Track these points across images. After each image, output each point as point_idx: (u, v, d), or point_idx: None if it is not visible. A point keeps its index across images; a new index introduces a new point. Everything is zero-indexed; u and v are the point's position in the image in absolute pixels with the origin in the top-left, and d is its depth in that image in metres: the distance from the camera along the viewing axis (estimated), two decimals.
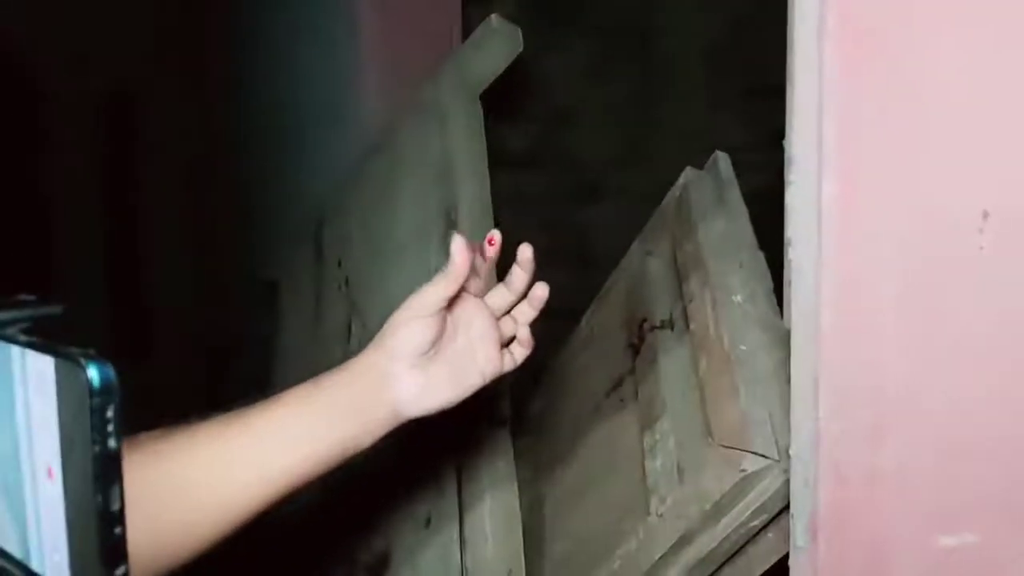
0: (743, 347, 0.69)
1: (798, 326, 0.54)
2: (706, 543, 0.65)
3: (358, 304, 1.27)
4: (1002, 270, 0.43)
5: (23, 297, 0.30)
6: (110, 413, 0.26)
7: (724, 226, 0.83)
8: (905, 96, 0.47)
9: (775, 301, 0.73)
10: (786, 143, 0.56)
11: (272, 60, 1.81)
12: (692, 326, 0.78)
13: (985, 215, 0.44)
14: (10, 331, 0.29)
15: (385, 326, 0.61)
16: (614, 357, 0.94)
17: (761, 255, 0.77)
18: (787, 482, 0.59)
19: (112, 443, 0.27)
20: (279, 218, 1.82)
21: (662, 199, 1.02)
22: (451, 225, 1.11)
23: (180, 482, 0.57)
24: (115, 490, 0.27)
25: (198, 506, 0.57)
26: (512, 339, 0.66)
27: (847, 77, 0.49)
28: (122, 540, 0.27)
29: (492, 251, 0.63)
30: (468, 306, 0.63)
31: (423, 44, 1.59)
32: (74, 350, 0.26)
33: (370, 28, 1.53)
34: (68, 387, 0.27)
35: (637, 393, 0.86)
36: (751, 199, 0.98)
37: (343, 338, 1.28)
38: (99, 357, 0.26)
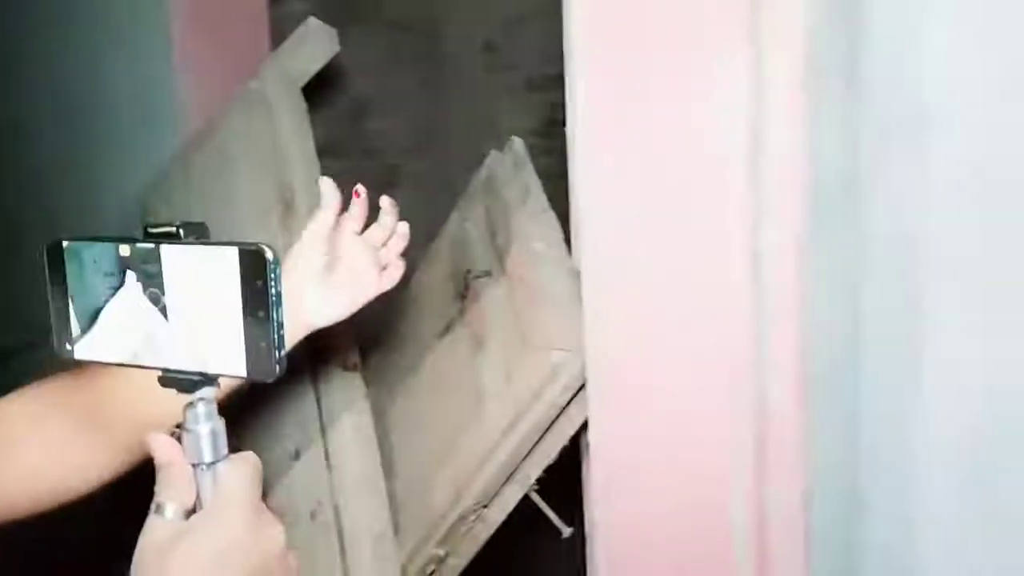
0: (546, 281, 0.94)
1: (584, 255, 0.79)
2: (528, 422, 0.90)
3: None
4: (700, 199, 0.70)
5: (175, 222, 0.47)
6: (278, 271, 0.45)
7: (523, 194, 1.08)
8: (639, 92, 0.73)
9: (565, 246, 0.98)
10: (567, 127, 0.81)
11: (83, 64, 1.81)
12: (507, 270, 1.02)
13: (689, 164, 0.71)
14: (189, 239, 0.46)
15: (286, 257, 0.80)
16: (443, 306, 1.16)
17: (552, 213, 1.02)
18: (583, 366, 0.84)
19: (280, 287, 0.45)
20: (92, 217, 1.82)
21: (455, 182, 1.26)
22: (288, 206, 1.27)
23: (110, 404, 0.70)
24: (281, 311, 0.46)
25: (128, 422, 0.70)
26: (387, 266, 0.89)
27: (605, 78, 0.74)
28: (283, 339, 0.46)
29: (361, 200, 0.86)
30: (350, 240, 0.84)
31: (231, 42, 1.69)
32: (253, 243, 0.45)
33: (179, 28, 1.60)
34: (249, 264, 0.45)
35: (466, 330, 1.09)
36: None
37: None
38: (268, 246, 0.45)
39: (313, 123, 2.42)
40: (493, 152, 1.17)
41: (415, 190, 2.57)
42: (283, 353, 0.46)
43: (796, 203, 0.65)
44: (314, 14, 2.22)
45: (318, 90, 2.19)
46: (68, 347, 0.50)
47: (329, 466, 1.06)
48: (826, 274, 0.70)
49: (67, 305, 0.49)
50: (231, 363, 0.46)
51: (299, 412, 1.10)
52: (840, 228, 0.69)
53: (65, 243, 0.50)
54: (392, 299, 1.48)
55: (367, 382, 1.27)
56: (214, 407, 0.49)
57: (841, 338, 0.72)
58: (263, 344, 0.45)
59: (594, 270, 0.78)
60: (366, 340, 1.36)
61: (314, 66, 1.39)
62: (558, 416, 0.89)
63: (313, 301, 0.81)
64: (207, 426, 0.48)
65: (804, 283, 0.69)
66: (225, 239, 0.46)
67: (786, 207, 0.65)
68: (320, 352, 1.12)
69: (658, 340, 0.77)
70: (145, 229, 0.48)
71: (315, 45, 1.38)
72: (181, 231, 0.47)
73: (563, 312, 0.89)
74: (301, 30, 1.37)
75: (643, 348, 0.77)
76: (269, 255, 0.45)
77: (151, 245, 0.47)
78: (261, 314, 0.45)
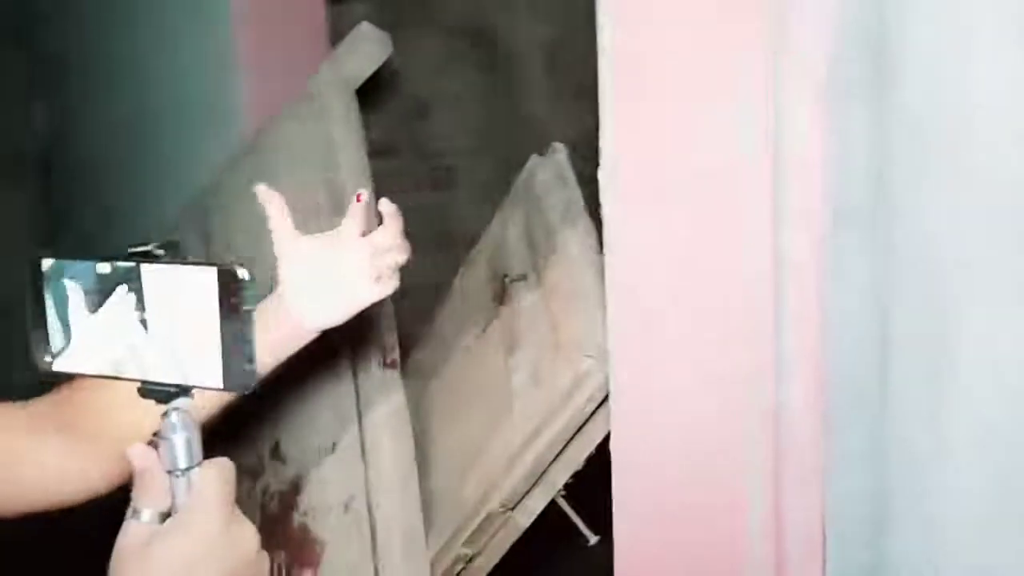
0: (578, 285, 0.94)
1: (609, 261, 0.79)
2: (555, 427, 0.91)
3: None
4: (721, 204, 0.70)
5: (155, 243, 0.50)
6: (250, 291, 0.48)
7: (563, 199, 1.08)
8: (662, 99, 0.73)
9: (601, 254, 0.99)
10: (600, 137, 0.82)
11: (149, 66, 1.89)
12: (542, 275, 1.03)
13: (710, 172, 0.71)
14: (167, 258, 0.49)
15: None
16: (482, 307, 1.18)
17: (589, 220, 1.03)
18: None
19: (252, 304, 0.48)
20: (160, 214, 1.90)
21: (507, 182, 1.26)
22: (338, 206, 1.31)
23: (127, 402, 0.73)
24: (253, 325, 0.48)
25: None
26: None
27: (632, 88, 0.75)
28: (254, 350, 0.48)
29: (362, 204, 0.81)
30: (350, 244, 0.79)
31: (291, 44, 1.74)
32: (225, 262, 0.48)
33: (242, 31, 1.66)
34: (225, 282, 0.48)
35: (502, 332, 1.10)
36: (580, 179, 1.25)
37: None
38: (241, 264, 0.48)
39: (370, 124, 2.46)
40: (534, 156, 1.18)
41: (470, 190, 2.61)
42: (254, 366, 0.49)
43: (817, 208, 0.64)
44: (374, 16, 2.26)
45: (375, 91, 2.23)
46: (48, 360, 0.53)
47: (364, 460, 1.09)
48: (851, 279, 0.69)
49: (47, 321, 0.52)
50: (208, 376, 0.49)
51: (337, 407, 1.13)
52: (868, 234, 0.68)
53: (46, 261, 0.52)
54: (424, 310, 1.51)
55: (409, 378, 1.30)
56: (189, 416, 0.51)
57: (867, 343, 0.70)
58: (238, 358, 0.48)
59: (618, 275, 0.78)
60: (408, 337, 1.39)
61: (367, 69, 1.42)
62: (585, 422, 0.90)
63: (304, 308, 0.78)
64: (182, 435, 0.50)
65: (825, 287, 0.68)
66: (202, 258, 0.49)
67: (807, 211, 0.64)
68: (360, 349, 1.15)
69: (678, 345, 0.77)
70: (128, 250, 0.51)
71: (368, 49, 1.41)
72: (160, 251, 0.50)
73: (594, 319, 0.90)
74: (354, 34, 1.41)
75: (663, 353, 0.77)
76: (243, 274, 0.48)
77: (131, 264, 0.50)
78: (236, 329, 0.48)
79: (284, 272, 0.79)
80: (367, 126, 2.06)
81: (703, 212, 0.71)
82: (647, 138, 0.74)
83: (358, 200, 0.82)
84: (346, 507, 1.08)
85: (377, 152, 2.45)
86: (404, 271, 0.84)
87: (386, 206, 0.82)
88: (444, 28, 2.49)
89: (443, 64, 2.52)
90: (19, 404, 0.70)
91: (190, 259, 0.50)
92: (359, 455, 1.09)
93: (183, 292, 0.49)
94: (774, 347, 0.68)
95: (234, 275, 0.48)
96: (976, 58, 0.63)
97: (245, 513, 0.53)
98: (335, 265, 0.79)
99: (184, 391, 0.51)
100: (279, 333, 0.78)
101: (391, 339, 1.18)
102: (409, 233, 0.85)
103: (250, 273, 0.48)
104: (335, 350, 1.18)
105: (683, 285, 0.73)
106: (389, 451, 1.09)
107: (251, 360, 0.48)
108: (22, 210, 2.53)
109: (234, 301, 0.48)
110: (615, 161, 0.75)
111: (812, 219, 0.64)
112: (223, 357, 0.48)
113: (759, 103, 0.65)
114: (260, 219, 1.38)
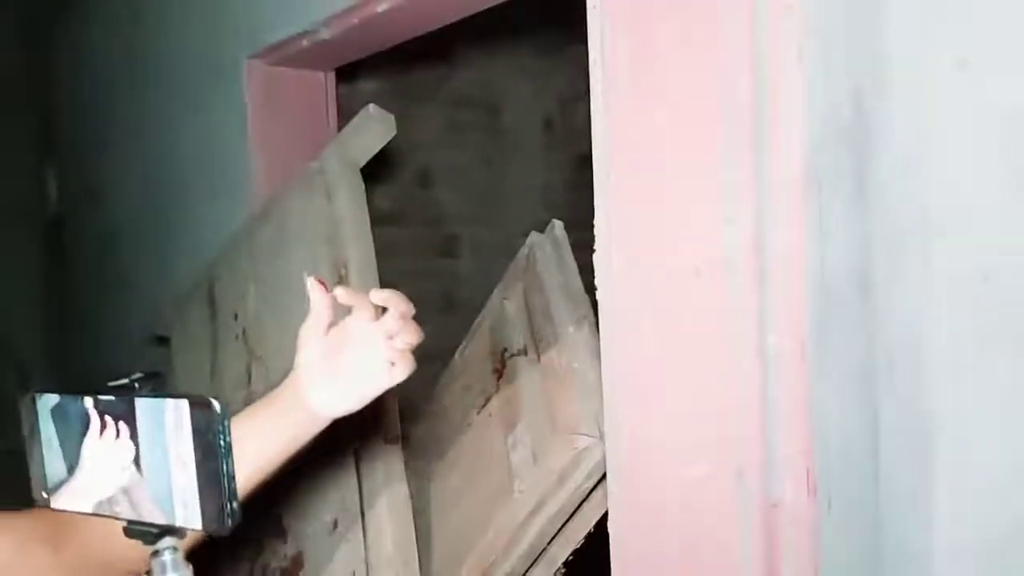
0: (575, 364, 0.96)
1: (604, 350, 0.81)
2: (554, 505, 0.91)
3: (256, 352, 1.45)
4: (708, 302, 0.72)
5: (136, 375, 0.50)
6: (226, 423, 0.48)
7: (560, 276, 1.11)
8: (650, 199, 0.76)
9: (597, 330, 1.01)
10: (595, 221, 0.84)
11: (164, 138, 1.95)
12: (540, 352, 1.04)
13: (697, 270, 0.73)
14: (145, 391, 0.49)
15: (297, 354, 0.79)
16: (483, 382, 1.19)
17: (587, 297, 1.05)
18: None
19: (229, 438, 0.47)
20: (169, 280, 1.94)
21: (510, 250, 1.29)
22: (342, 281, 1.33)
23: None
24: (232, 461, 0.47)
25: None
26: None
27: (621, 182, 0.78)
28: (235, 490, 0.47)
29: (346, 294, 0.79)
30: (360, 330, 0.78)
31: (300, 123, 1.80)
32: (201, 396, 0.47)
33: (254, 110, 1.72)
34: (200, 416, 0.47)
35: (500, 408, 1.11)
36: (579, 251, 1.27)
37: (243, 383, 1.44)
38: (216, 399, 0.47)
39: (378, 194, 2.51)
40: (534, 233, 1.21)
41: (473, 257, 2.66)
42: (236, 505, 0.47)
43: (800, 307, 0.66)
44: (383, 91, 2.33)
45: (383, 163, 2.30)
46: (44, 496, 0.53)
47: (365, 538, 1.09)
48: (837, 374, 0.70)
49: (42, 455, 0.52)
50: (188, 514, 0.48)
51: (340, 484, 1.14)
52: (852, 330, 0.69)
53: (38, 396, 0.52)
54: (428, 376, 1.52)
55: (410, 454, 1.31)
56: (180, 556, 0.50)
57: (856, 438, 0.71)
58: (216, 495, 0.47)
59: (612, 364, 0.80)
60: (411, 413, 1.40)
61: (372, 149, 1.46)
62: (584, 501, 0.90)
63: (319, 397, 0.77)
64: None
65: (810, 383, 0.69)
66: (181, 390, 0.49)
67: (790, 311, 0.66)
68: (362, 425, 1.16)
69: (672, 433, 0.78)
70: (108, 383, 0.51)
71: (374, 129, 1.45)
72: (137, 384, 0.50)
73: (591, 398, 0.91)
74: (362, 115, 1.45)
75: (658, 440, 0.79)
76: (216, 408, 0.47)
77: (112, 398, 0.50)
78: (212, 466, 0.47)
79: (302, 360, 0.78)
80: (375, 195, 2.10)
81: (691, 307, 0.73)
82: (636, 232, 0.76)
83: (322, 285, 0.79)
84: None
85: (384, 220, 2.50)
86: None
87: (377, 295, 0.80)
88: (450, 101, 2.57)
89: (449, 135, 2.59)
90: (11, 515, 0.69)
91: (167, 392, 0.49)
92: (360, 534, 1.10)
93: (161, 425, 0.48)
94: (763, 440, 0.69)
95: (207, 407, 0.46)
96: (951, 148, 0.65)
97: None
98: (349, 354, 0.78)
99: (170, 531, 0.49)
100: (294, 422, 0.78)
101: (393, 415, 1.19)
102: (412, 298, 0.84)
103: (225, 407, 0.46)
104: (337, 425, 1.19)
105: (674, 377, 0.75)
106: (390, 531, 1.09)
107: (231, 498, 0.46)
108: (35, 274, 2.58)
109: (210, 436, 0.46)
110: (605, 255, 0.78)
111: (795, 317, 0.66)
112: (200, 493, 0.47)
113: (740, 198, 0.67)
114: (263, 289, 1.41)
